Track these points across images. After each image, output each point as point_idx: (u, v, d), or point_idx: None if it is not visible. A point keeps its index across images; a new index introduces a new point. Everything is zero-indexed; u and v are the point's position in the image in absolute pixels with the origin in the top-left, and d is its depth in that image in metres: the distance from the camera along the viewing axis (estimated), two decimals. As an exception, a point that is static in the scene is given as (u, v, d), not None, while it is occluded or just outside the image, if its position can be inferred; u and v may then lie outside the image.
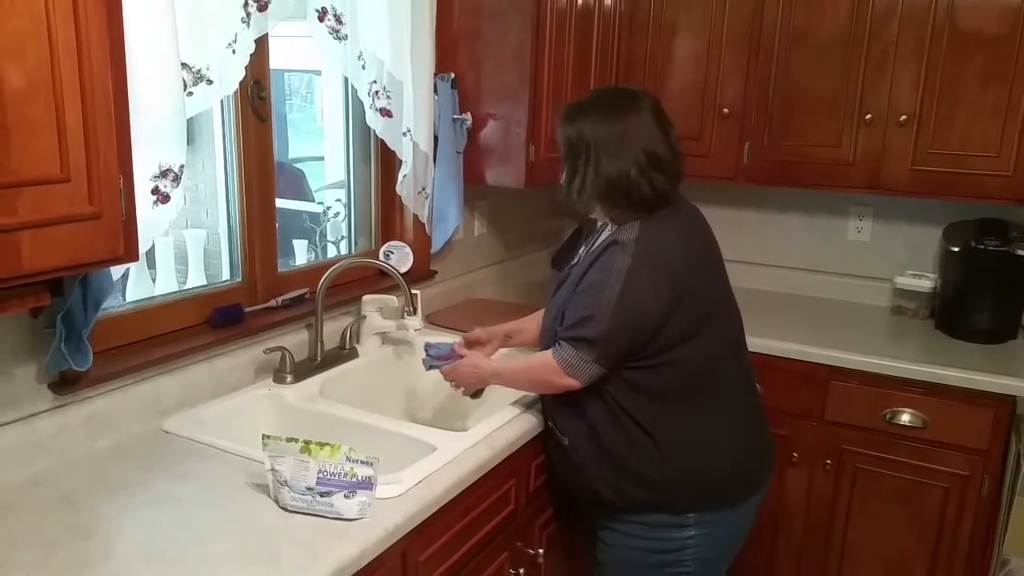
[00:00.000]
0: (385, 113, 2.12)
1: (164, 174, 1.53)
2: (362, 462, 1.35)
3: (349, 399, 1.87)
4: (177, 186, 1.56)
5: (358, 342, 2.15)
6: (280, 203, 2.08)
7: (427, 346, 1.93)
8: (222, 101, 1.84)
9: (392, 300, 2.17)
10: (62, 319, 1.42)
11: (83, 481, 1.44)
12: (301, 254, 2.70)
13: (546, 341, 1.76)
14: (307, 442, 1.35)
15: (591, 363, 1.61)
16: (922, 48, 2.35)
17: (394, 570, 1.38)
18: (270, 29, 1.78)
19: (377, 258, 2.30)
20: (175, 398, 1.71)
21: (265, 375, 1.91)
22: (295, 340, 2.00)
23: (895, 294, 2.73)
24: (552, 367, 1.65)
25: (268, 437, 1.37)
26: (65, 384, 1.51)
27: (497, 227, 2.85)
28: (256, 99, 1.89)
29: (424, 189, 2.30)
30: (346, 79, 2.15)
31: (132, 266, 1.57)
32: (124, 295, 1.78)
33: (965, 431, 2.22)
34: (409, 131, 2.18)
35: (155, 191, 1.53)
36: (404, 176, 2.24)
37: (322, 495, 1.33)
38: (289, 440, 1.35)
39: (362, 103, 2.09)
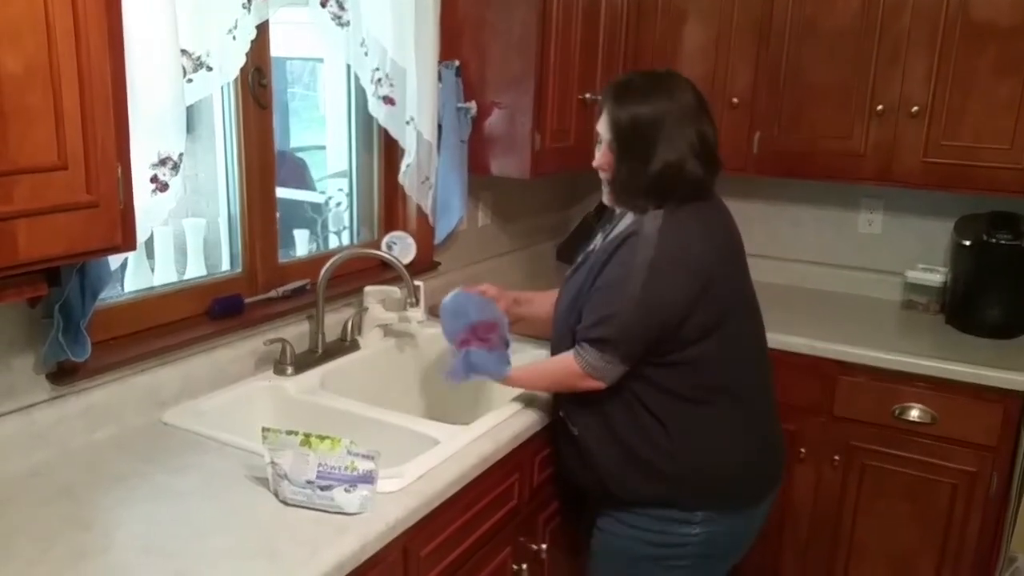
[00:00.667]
0: (388, 101, 2.09)
1: (163, 162, 1.51)
2: (363, 456, 1.34)
3: (350, 392, 1.86)
4: (176, 175, 1.54)
5: (360, 334, 2.13)
6: (281, 192, 2.06)
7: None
8: (222, 88, 1.83)
9: (394, 291, 2.15)
10: (60, 309, 1.41)
11: (82, 473, 1.43)
12: (302, 244, 2.67)
13: (559, 331, 1.72)
14: (307, 435, 1.33)
15: (616, 363, 1.58)
16: (934, 39, 2.32)
17: (395, 565, 1.37)
18: (271, 15, 1.76)
19: (379, 249, 2.28)
20: (174, 389, 1.70)
21: (265, 367, 1.90)
22: (296, 332, 1.98)
23: (906, 288, 2.70)
24: (575, 371, 1.61)
25: (268, 430, 1.35)
26: (63, 375, 1.50)
27: (501, 218, 2.83)
28: (257, 86, 1.87)
29: (427, 179, 2.28)
30: (349, 67, 2.12)
31: (131, 256, 1.55)
32: (123, 285, 1.76)
33: (974, 427, 2.20)
34: (412, 120, 2.15)
35: (154, 179, 1.51)
36: (407, 166, 2.21)
37: (322, 489, 1.32)
38: (289, 433, 1.34)
39: (365, 91, 2.07)
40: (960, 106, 2.32)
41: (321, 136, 2.93)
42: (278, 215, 2.01)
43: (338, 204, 2.72)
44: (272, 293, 1.97)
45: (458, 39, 2.32)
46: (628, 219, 1.64)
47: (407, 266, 2.07)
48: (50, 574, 1.15)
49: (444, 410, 2.14)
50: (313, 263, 2.08)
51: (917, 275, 2.66)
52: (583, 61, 2.43)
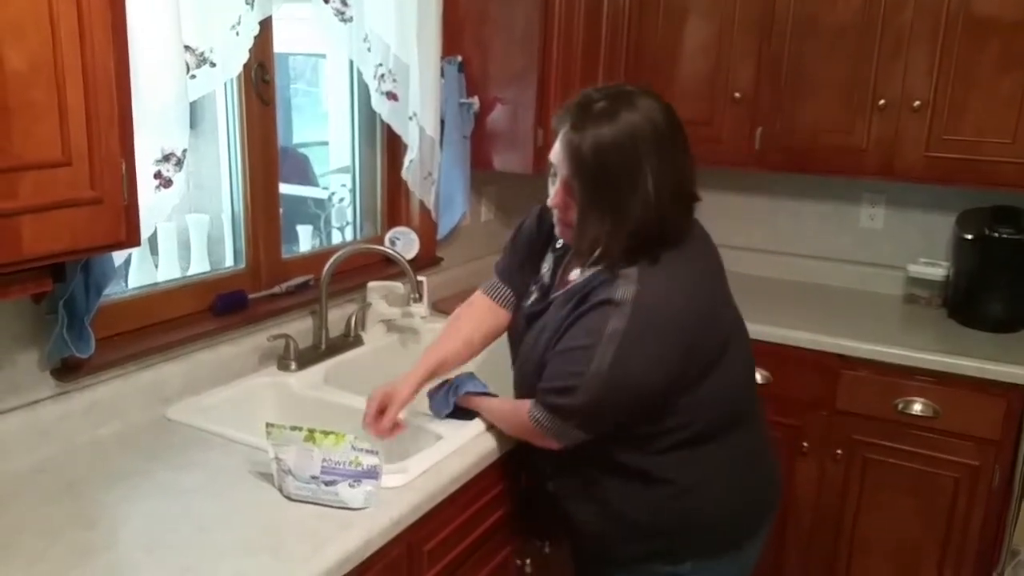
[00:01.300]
0: (391, 97, 2.09)
1: (167, 158, 1.51)
2: (367, 451, 1.34)
3: (354, 387, 1.85)
4: (180, 171, 1.54)
5: (363, 329, 2.13)
6: (284, 188, 2.06)
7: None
8: (225, 84, 1.83)
9: (398, 287, 2.15)
10: (64, 305, 1.41)
11: (86, 469, 1.43)
12: (305, 240, 2.68)
13: (521, 383, 1.54)
14: (311, 431, 1.34)
15: (573, 431, 1.40)
16: (936, 33, 2.31)
17: (399, 560, 1.37)
18: (274, 11, 1.76)
19: (383, 244, 2.28)
20: (178, 385, 1.70)
21: (269, 362, 1.90)
22: (299, 327, 1.98)
23: (908, 282, 2.70)
24: (529, 428, 1.44)
25: (272, 426, 1.35)
26: (67, 371, 1.50)
27: (505, 213, 2.82)
28: (260, 82, 1.87)
29: (430, 174, 2.28)
30: (351, 62, 2.12)
31: (134, 252, 1.55)
32: (126, 281, 1.76)
33: (977, 421, 2.20)
34: (415, 115, 2.15)
35: (157, 175, 1.51)
36: (410, 161, 2.21)
37: (327, 484, 1.32)
38: (293, 429, 1.34)
39: (367, 87, 2.07)
40: (962, 100, 2.31)
41: (323, 132, 2.94)
42: (281, 211, 2.02)
43: (341, 200, 2.73)
44: (275, 289, 1.97)
45: (460, 35, 2.32)
46: (597, 273, 1.40)
47: (410, 261, 2.07)
48: (54, 571, 1.15)
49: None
50: (316, 259, 2.08)
51: (919, 269, 2.66)
52: (585, 56, 2.43)
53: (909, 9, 2.33)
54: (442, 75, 2.23)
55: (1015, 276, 2.42)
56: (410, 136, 2.18)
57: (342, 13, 1.92)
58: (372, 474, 1.34)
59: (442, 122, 2.27)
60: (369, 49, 2.01)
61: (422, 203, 2.33)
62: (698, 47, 2.62)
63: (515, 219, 2.92)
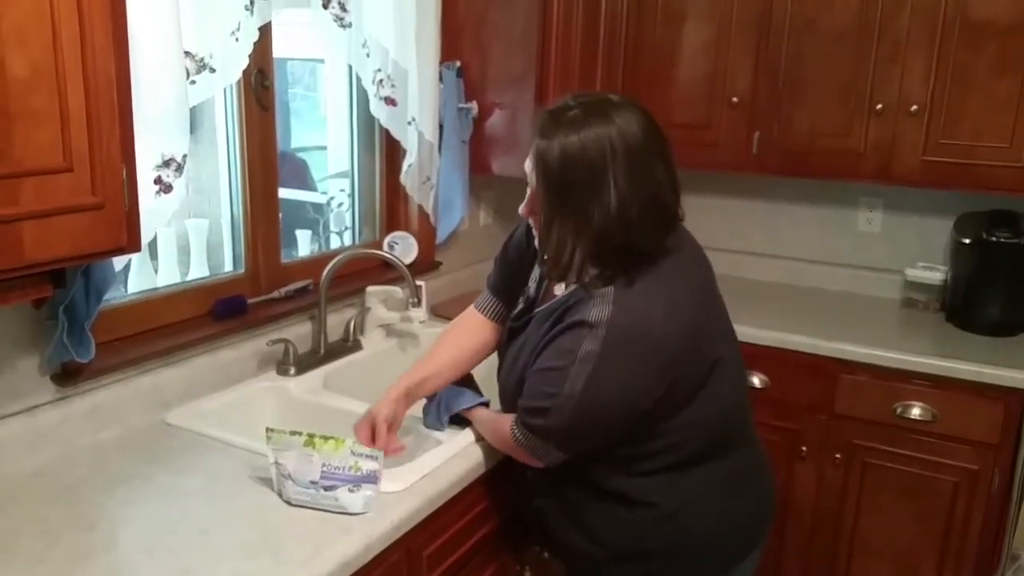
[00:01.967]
0: (390, 102, 2.10)
1: (167, 164, 1.52)
2: (367, 456, 1.34)
3: (353, 392, 1.86)
4: (180, 176, 1.54)
5: (362, 334, 2.14)
6: (283, 193, 2.06)
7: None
8: (225, 90, 1.83)
9: (396, 291, 2.15)
10: (64, 310, 1.41)
11: (86, 473, 1.43)
12: (304, 245, 2.68)
13: (505, 398, 1.54)
14: (311, 435, 1.34)
15: (552, 449, 1.38)
16: (933, 37, 2.32)
17: (399, 565, 1.37)
18: (274, 17, 1.76)
19: (381, 249, 2.29)
20: (178, 390, 1.70)
21: (268, 367, 1.90)
22: (298, 332, 1.98)
23: (905, 286, 2.70)
24: (511, 444, 1.44)
25: (271, 430, 1.35)
26: (67, 376, 1.50)
27: (503, 218, 2.83)
28: (259, 88, 1.87)
29: (429, 179, 2.28)
30: (350, 67, 2.13)
31: (134, 257, 1.55)
32: (126, 286, 1.77)
33: (975, 425, 2.20)
34: (414, 120, 2.16)
35: (158, 181, 1.51)
36: (409, 166, 2.22)
37: (326, 489, 1.32)
38: (293, 433, 1.34)
39: (366, 91, 2.07)
40: (959, 104, 2.32)
41: (322, 136, 2.94)
42: (280, 216, 2.02)
43: (340, 204, 2.73)
44: (275, 294, 1.98)
45: (459, 40, 2.33)
46: (572, 291, 1.39)
47: (409, 266, 2.07)
48: (55, 572, 1.15)
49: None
50: (315, 263, 2.08)
51: (917, 273, 2.67)
52: (584, 61, 2.43)
53: (906, 13, 2.34)
54: (441, 80, 2.23)
55: (1013, 280, 2.43)
56: (409, 141, 2.18)
57: (341, 19, 1.93)
58: (371, 479, 1.34)
59: (441, 127, 2.27)
60: (368, 54, 2.02)
61: (421, 208, 2.33)
62: (696, 51, 2.63)
63: (513, 223, 2.92)
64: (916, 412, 2.25)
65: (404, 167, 2.23)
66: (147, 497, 1.37)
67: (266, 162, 1.94)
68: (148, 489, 1.39)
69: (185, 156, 1.55)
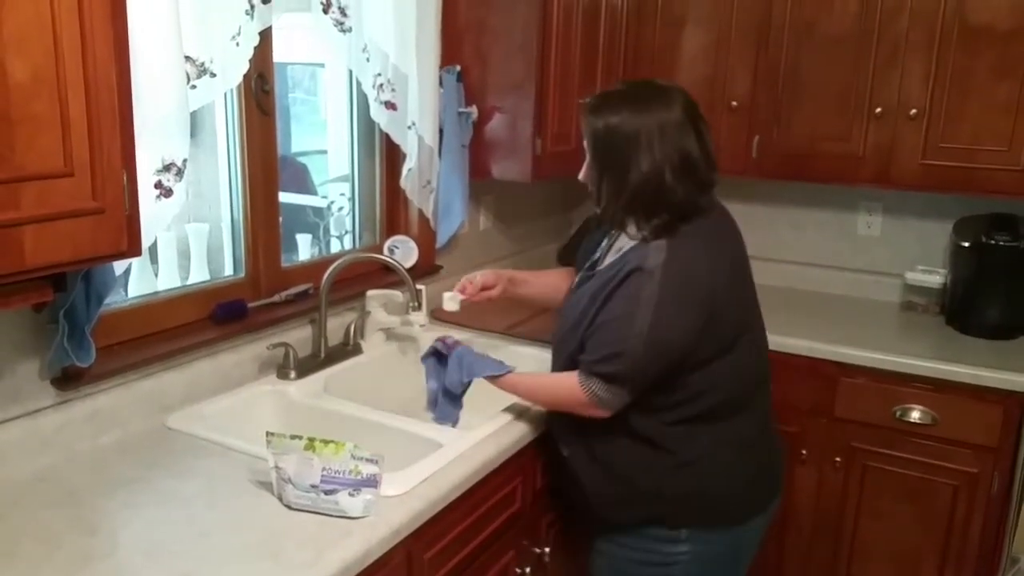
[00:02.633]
0: (390, 106, 2.10)
1: (167, 168, 1.52)
2: (367, 459, 1.34)
3: (353, 396, 1.86)
4: (180, 180, 1.55)
5: (362, 338, 2.14)
6: (283, 197, 2.07)
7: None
8: (225, 94, 1.83)
9: (397, 295, 2.15)
10: (65, 314, 1.41)
11: (87, 477, 1.43)
12: (305, 249, 2.68)
13: (559, 354, 1.67)
14: (311, 439, 1.34)
15: (624, 396, 1.53)
16: (932, 41, 2.33)
17: (399, 568, 1.37)
18: (274, 21, 1.77)
19: (381, 253, 2.29)
20: (178, 394, 1.70)
21: (269, 371, 1.90)
22: (299, 336, 1.99)
23: (905, 290, 2.71)
24: (580, 399, 1.56)
25: (272, 435, 1.36)
26: (68, 380, 1.50)
27: (503, 221, 2.83)
28: (260, 92, 1.87)
29: (429, 183, 2.28)
30: (350, 72, 2.13)
31: (135, 261, 1.55)
32: (127, 290, 1.77)
33: (975, 428, 2.20)
34: (414, 124, 2.16)
35: (158, 185, 1.51)
36: (409, 170, 2.22)
37: (326, 493, 1.32)
38: (293, 437, 1.34)
39: (366, 96, 2.08)
40: (958, 108, 2.33)
41: (322, 140, 2.94)
42: (280, 220, 2.02)
43: (340, 208, 2.73)
44: (275, 298, 1.98)
45: (459, 44, 2.33)
46: (629, 242, 1.59)
47: (409, 270, 2.07)
48: (57, 577, 1.16)
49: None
50: (316, 267, 2.08)
51: (916, 276, 2.67)
52: (583, 65, 2.44)
53: (905, 18, 2.35)
54: (441, 84, 2.24)
55: (1012, 283, 2.43)
56: (409, 145, 2.18)
57: (341, 23, 1.93)
58: (371, 483, 1.34)
59: (441, 131, 2.27)
60: (368, 59, 2.02)
61: (421, 212, 2.34)
62: (695, 56, 2.64)
63: (513, 227, 2.94)
64: (916, 415, 2.25)
65: (404, 171, 2.23)
66: (148, 501, 1.37)
67: (266, 166, 1.94)
68: (149, 493, 1.39)
69: (185, 160, 1.55)
